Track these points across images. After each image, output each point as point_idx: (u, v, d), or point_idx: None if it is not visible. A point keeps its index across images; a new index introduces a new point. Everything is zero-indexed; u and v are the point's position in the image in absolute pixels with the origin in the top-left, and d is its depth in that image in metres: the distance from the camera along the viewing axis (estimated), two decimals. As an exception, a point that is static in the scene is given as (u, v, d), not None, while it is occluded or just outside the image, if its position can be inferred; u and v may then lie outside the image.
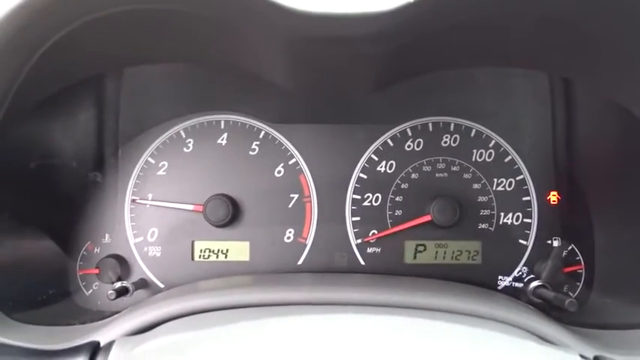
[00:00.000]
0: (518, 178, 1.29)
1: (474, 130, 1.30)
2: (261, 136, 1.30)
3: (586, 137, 1.26)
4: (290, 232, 1.28)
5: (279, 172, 1.29)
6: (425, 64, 1.04)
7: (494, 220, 1.28)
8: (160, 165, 1.29)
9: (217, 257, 1.27)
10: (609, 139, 1.19)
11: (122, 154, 1.30)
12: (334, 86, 1.07)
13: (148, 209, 1.28)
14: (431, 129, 1.30)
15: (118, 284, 1.19)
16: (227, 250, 1.27)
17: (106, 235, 1.27)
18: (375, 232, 1.28)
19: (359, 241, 1.28)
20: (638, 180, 1.09)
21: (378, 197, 1.29)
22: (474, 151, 1.29)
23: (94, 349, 0.74)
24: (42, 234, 1.19)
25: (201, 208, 1.25)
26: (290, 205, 1.29)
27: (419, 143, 1.30)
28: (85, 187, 1.28)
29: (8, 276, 1.01)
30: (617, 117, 1.08)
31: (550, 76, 1.26)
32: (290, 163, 1.29)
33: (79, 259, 1.26)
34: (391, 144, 1.30)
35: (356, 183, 1.29)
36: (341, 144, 1.30)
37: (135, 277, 1.26)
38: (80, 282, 1.25)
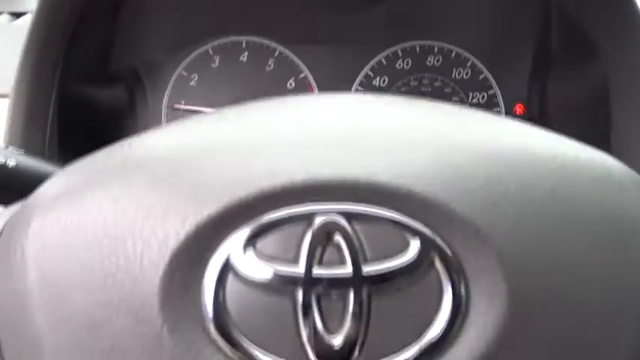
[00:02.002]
0: (489, 93, 1.53)
1: (454, 52, 1.54)
2: (276, 54, 1.55)
3: (557, 65, 1.48)
4: (298, 135, 1.54)
5: (290, 84, 1.55)
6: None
7: (469, 127, 1.52)
8: (192, 77, 1.55)
9: (239, 153, 1.53)
10: (578, 66, 1.41)
11: (159, 70, 1.55)
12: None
13: (182, 114, 1.54)
14: (418, 50, 1.54)
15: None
16: (247, 147, 1.53)
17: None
18: (370, 135, 1.53)
19: (356, 143, 1.53)
20: (596, 97, 1.31)
21: (373, 107, 1.54)
22: (454, 69, 1.53)
23: None
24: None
25: (225, 113, 1.51)
26: None
27: (407, 62, 1.54)
28: (127, 104, 1.54)
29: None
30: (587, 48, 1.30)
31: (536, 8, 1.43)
32: (300, 77, 1.55)
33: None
34: (384, 63, 1.54)
35: (354, 95, 1.54)
36: (342, 62, 1.54)
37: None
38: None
